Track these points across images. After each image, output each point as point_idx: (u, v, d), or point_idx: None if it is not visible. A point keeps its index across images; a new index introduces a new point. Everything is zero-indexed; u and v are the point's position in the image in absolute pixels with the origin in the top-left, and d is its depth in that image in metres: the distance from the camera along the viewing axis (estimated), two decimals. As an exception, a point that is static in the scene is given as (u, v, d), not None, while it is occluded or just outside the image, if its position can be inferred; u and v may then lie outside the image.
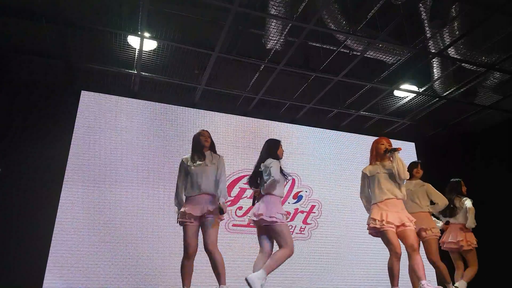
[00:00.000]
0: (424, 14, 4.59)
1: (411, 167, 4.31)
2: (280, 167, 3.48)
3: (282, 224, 3.31)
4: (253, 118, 6.36)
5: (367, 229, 3.55)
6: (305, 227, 6.05)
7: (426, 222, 4.01)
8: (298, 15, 4.36)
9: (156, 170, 5.55)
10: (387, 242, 3.35)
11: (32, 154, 5.09)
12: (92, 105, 5.57)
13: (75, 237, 4.88)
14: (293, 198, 6.14)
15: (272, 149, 3.61)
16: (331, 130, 6.80)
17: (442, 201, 4.16)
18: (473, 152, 6.94)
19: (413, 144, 7.33)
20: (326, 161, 6.48)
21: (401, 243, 3.37)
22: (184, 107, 6.03)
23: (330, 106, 6.29)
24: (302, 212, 6.12)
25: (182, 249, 3.39)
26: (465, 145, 7.23)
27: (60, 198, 4.98)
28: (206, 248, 3.30)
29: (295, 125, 6.61)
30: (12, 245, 4.61)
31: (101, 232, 5.00)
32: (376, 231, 3.44)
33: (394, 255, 3.32)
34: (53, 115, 5.36)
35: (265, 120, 6.42)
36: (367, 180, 3.65)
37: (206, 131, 3.67)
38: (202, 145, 3.56)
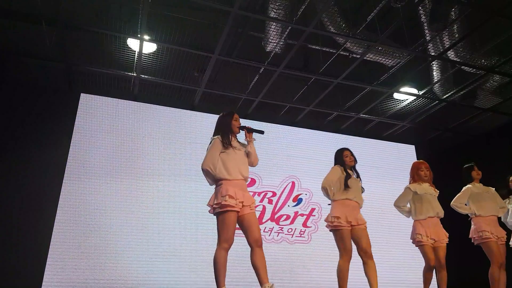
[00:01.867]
0: (423, 17, 4.59)
1: (468, 171, 4.35)
2: (346, 172, 3.74)
3: (334, 229, 3.58)
4: (253, 121, 6.35)
5: (413, 241, 3.99)
6: (305, 230, 6.03)
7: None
8: (297, 18, 4.36)
9: (157, 172, 5.54)
10: (424, 254, 3.83)
11: (32, 156, 5.09)
12: (92, 108, 5.57)
13: (74, 239, 4.86)
14: (293, 201, 6.13)
15: (336, 156, 4.01)
16: (331, 133, 6.80)
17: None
18: (473, 155, 6.93)
19: (413, 146, 7.33)
20: (326, 164, 6.40)
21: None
22: (183, 110, 6.04)
23: (329, 109, 6.29)
24: (302, 215, 6.11)
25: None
26: (465, 148, 7.22)
27: (59, 200, 4.98)
28: (257, 243, 2.95)
29: (295, 127, 6.61)
30: (12, 244, 4.63)
31: (100, 234, 4.99)
32: (419, 244, 3.91)
33: (427, 266, 3.78)
34: (52, 117, 5.36)
35: (265, 123, 6.41)
36: (412, 196, 4.05)
37: (237, 115, 3.40)
38: (234, 131, 3.30)
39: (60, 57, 5.02)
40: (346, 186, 3.62)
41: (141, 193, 5.37)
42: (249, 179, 3.34)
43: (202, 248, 5.32)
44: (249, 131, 3.26)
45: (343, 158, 3.85)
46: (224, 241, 2.90)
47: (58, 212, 4.92)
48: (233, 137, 3.25)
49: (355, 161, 3.90)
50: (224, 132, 3.22)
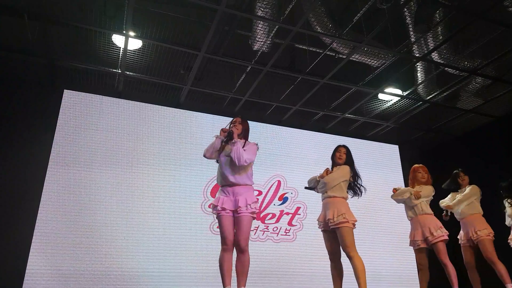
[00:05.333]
0: (408, 18, 4.65)
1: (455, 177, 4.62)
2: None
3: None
4: (239, 119, 6.33)
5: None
6: (290, 228, 6.05)
7: None
8: (284, 17, 4.37)
9: (140, 170, 5.48)
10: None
11: (13, 153, 4.98)
12: (75, 105, 5.47)
13: (56, 235, 4.80)
14: (279, 200, 6.15)
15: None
16: (317, 132, 6.84)
17: None
18: (455, 155, 7.07)
19: (396, 146, 7.43)
20: (312, 163, 6.50)
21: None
22: (169, 107, 5.98)
23: (316, 108, 6.33)
24: (287, 214, 6.13)
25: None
26: (447, 148, 7.36)
27: (41, 198, 4.89)
28: (237, 247, 3.08)
29: (281, 126, 6.62)
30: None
31: (81, 231, 4.92)
32: None
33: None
34: (34, 114, 5.25)
35: (252, 122, 6.35)
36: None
37: (239, 117, 3.51)
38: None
39: (43, 52, 4.91)
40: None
41: (125, 190, 5.31)
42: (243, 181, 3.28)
43: (189, 238, 5.32)
44: (229, 135, 3.28)
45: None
46: (222, 243, 3.10)
47: (40, 209, 4.85)
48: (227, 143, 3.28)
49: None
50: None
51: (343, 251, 3.39)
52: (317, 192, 3.73)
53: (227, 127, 3.39)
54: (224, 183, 3.23)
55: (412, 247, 4.09)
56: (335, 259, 3.52)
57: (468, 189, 4.45)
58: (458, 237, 4.50)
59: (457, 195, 4.52)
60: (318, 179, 3.67)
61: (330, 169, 3.75)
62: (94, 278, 4.79)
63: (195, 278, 5.19)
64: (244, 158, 3.16)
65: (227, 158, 3.24)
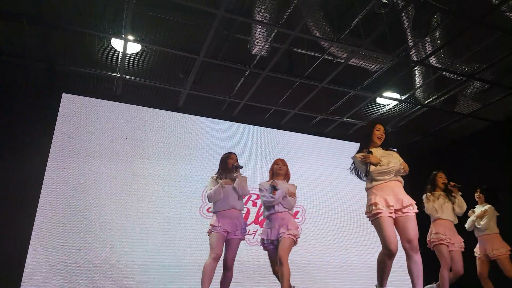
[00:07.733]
0: (406, 23, 4.67)
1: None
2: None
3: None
4: (238, 123, 6.35)
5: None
6: (289, 233, 6.03)
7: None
8: (283, 21, 4.38)
9: (138, 174, 5.47)
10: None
11: (12, 156, 4.97)
12: (74, 108, 5.47)
13: (52, 241, 4.77)
14: (277, 203, 6.13)
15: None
16: (315, 136, 6.84)
17: None
18: (453, 160, 7.08)
19: (394, 150, 7.41)
20: (310, 167, 6.51)
21: None
22: (167, 111, 5.99)
23: (314, 112, 6.33)
24: (286, 217, 6.11)
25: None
26: (445, 152, 7.37)
27: (39, 201, 4.89)
28: (225, 266, 3.60)
29: (279, 130, 6.63)
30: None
31: (80, 239, 4.90)
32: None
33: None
34: (33, 117, 5.25)
35: (250, 125, 6.41)
36: None
37: (234, 154, 3.93)
38: (229, 169, 3.84)
39: (41, 56, 4.92)
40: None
41: (123, 193, 5.30)
42: (245, 208, 3.91)
43: (187, 241, 5.31)
44: (236, 168, 3.75)
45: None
46: (211, 254, 3.46)
47: (38, 211, 4.84)
48: (229, 173, 3.78)
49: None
50: (222, 170, 3.82)
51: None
52: None
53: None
54: (224, 208, 3.67)
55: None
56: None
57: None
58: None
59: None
60: None
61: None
62: (90, 275, 4.82)
63: (193, 281, 5.17)
64: (245, 191, 3.87)
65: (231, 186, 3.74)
